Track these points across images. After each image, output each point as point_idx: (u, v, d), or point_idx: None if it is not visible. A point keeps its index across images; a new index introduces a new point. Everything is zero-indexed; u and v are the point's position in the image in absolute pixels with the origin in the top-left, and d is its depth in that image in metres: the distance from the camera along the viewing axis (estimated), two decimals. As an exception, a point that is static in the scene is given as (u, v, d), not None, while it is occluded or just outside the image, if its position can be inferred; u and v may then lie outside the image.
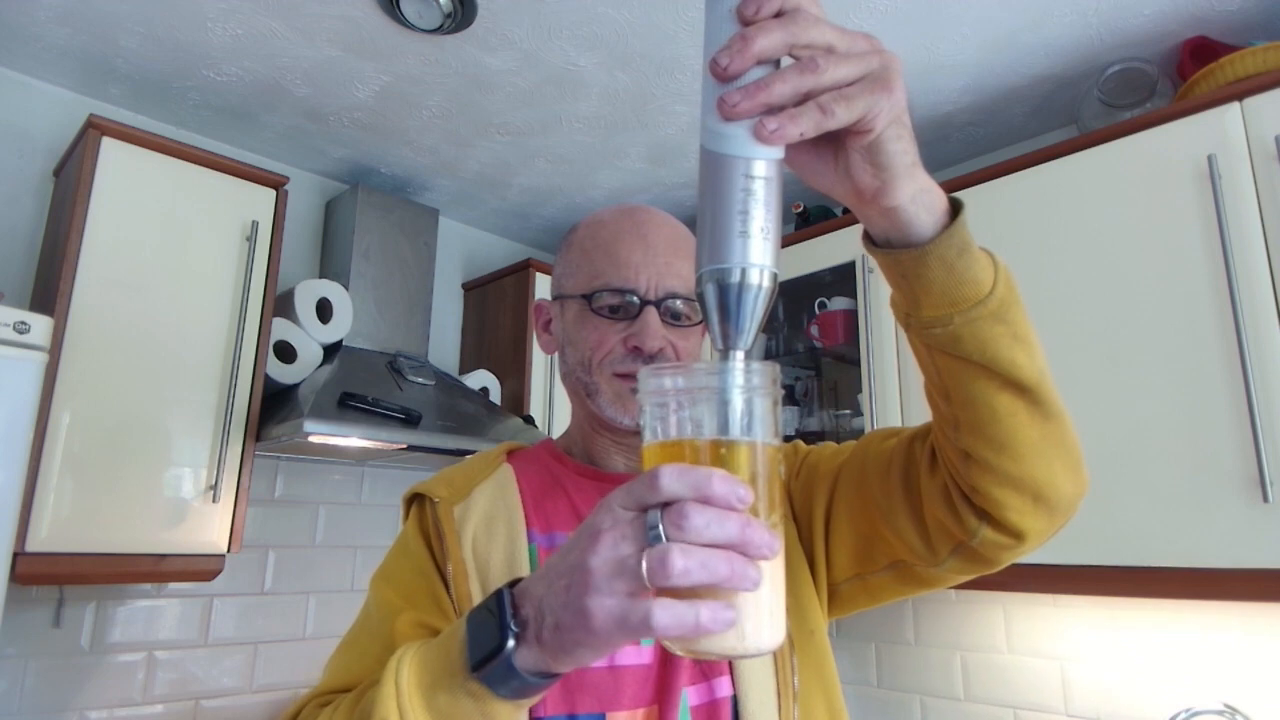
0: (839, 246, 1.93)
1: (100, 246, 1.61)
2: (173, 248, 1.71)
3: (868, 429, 1.76)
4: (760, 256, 0.43)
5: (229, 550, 1.70)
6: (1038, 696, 1.75)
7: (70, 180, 1.69)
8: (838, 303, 2.03)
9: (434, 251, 2.34)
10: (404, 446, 1.86)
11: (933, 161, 2.15)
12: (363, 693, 0.60)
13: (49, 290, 1.61)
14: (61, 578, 1.55)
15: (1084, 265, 1.52)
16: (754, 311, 0.44)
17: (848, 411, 2.08)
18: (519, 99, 1.90)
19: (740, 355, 0.45)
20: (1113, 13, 1.57)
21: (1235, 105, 1.38)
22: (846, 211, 2.01)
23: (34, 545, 1.46)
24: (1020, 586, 1.52)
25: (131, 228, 1.66)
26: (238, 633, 1.98)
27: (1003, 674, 1.82)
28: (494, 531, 0.74)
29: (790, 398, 2.22)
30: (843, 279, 1.96)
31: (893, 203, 0.49)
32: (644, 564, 0.41)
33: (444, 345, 2.46)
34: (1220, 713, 1.41)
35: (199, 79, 1.84)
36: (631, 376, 0.75)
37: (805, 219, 2.16)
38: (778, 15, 0.43)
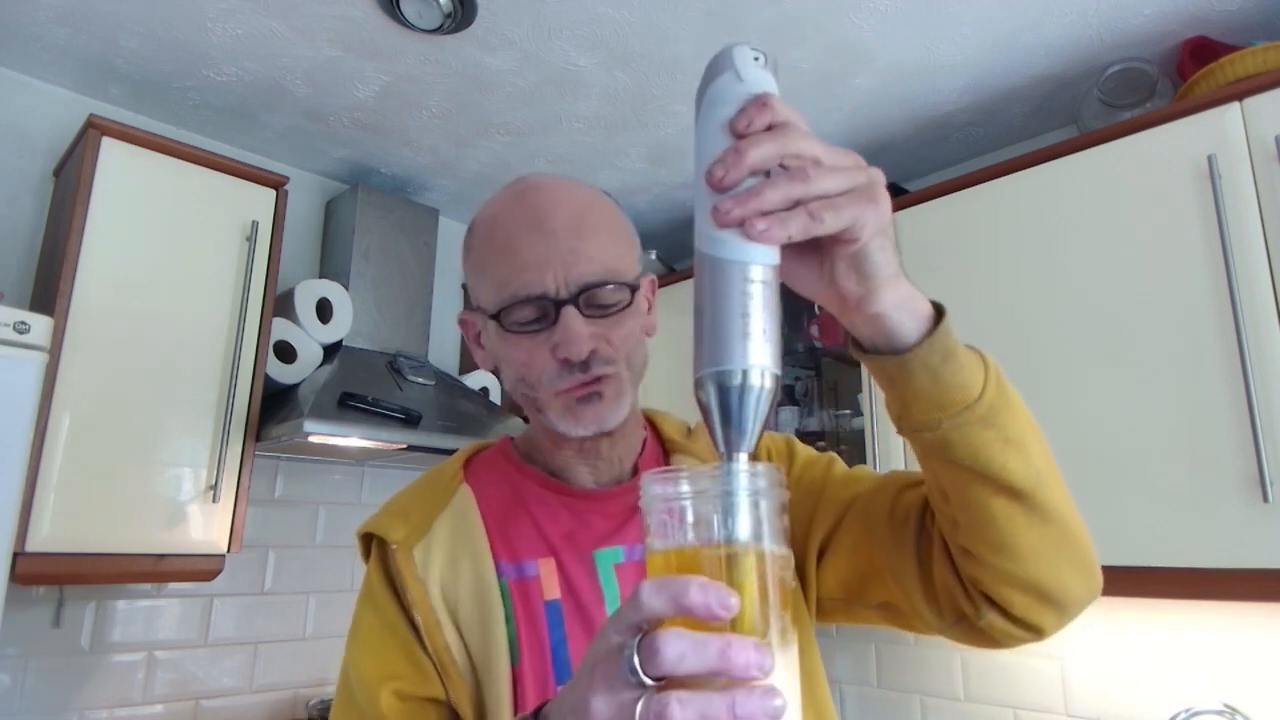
0: (839, 246, 1.93)
1: (100, 246, 1.61)
2: (173, 248, 1.71)
3: (867, 429, 1.76)
4: (761, 358, 0.43)
5: (229, 550, 1.70)
6: (1038, 696, 1.75)
7: (70, 180, 1.69)
8: (838, 303, 2.03)
9: (434, 251, 2.34)
10: (404, 446, 1.86)
11: (933, 161, 2.15)
12: None
13: (49, 290, 1.61)
14: (62, 578, 1.55)
15: (1084, 265, 1.52)
16: (756, 413, 0.43)
17: (847, 411, 2.08)
18: (519, 99, 1.90)
19: (744, 458, 0.43)
20: (1113, 13, 1.57)
21: (1235, 105, 1.38)
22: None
23: (34, 545, 1.46)
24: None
25: (131, 228, 1.66)
26: (238, 633, 1.98)
27: (1003, 674, 1.82)
28: (460, 570, 0.70)
29: (790, 398, 2.22)
30: (843, 279, 1.96)
31: (876, 309, 0.50)
32: (637, 715, 0.39)
33: (444, 345, 2.46)
34: (1220, 713, 1.41)
35: (199, 79, 1.84)
36: (572, 390, 0.68)
37: (805, 219, 2.16)
38: (768, 129, 0.45)
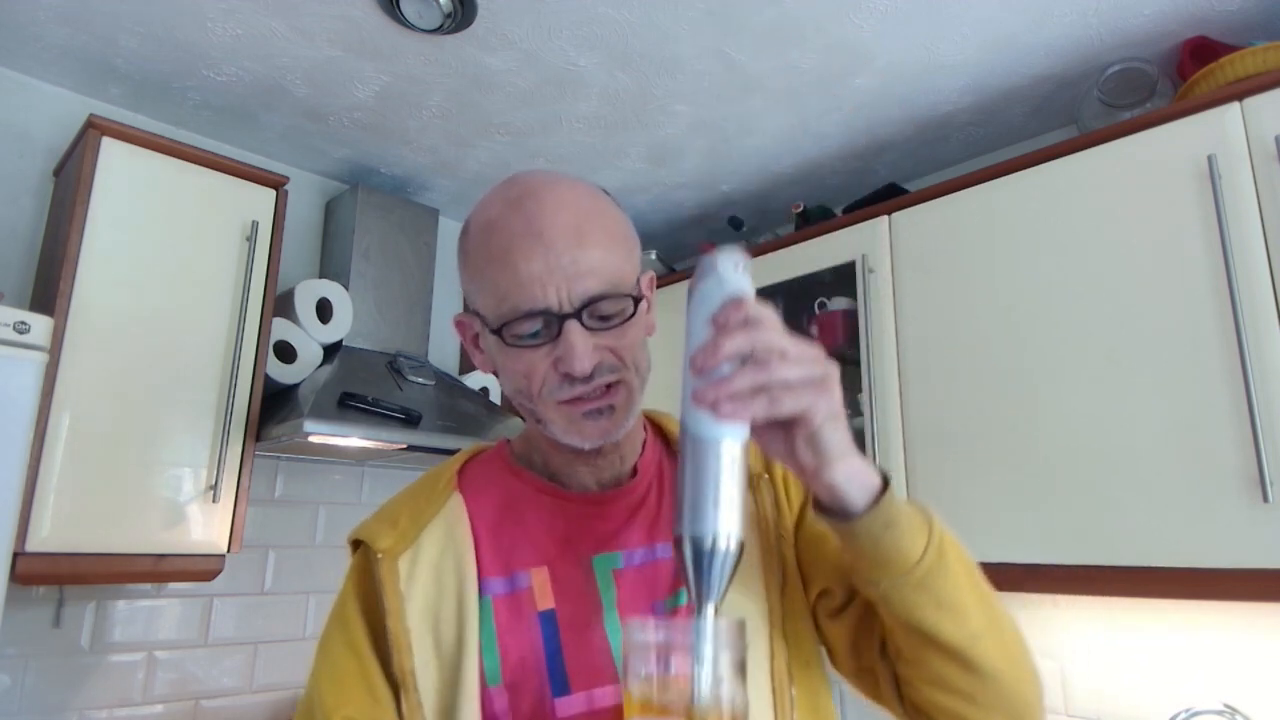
0: (838, 246, 1.93)
1: (100, 246, 1.61)
2: (173, 248, 1.71)
3: (867, 429, 1.76)
4: (729, 525, 0.53)
5: (229, 550, 1.70)
6: (1038, 696, 1.75)
7: (70, 180, 1.69)
8: (837, 303, 2.03)
9: (434, 251, 2.34)
10: (404, 446, 1.86)
11: (933, 161, 2.15)
12: None
13: (49, 290, 1.61)
14: (61, 577, 1.55)
15: (1084, 265, 1.52)
16: (724, 572, 0.53)
17: (847, 412, 2.08)
18: (519, 99, 1.90)
19: (711, 610, 0.52)
20: (1113, 13, 1.57)
21: (1235, 105, 1.38)
22: (846, 210, 2.01)
23: (34, 545, 1.46)
24: (1019, 586, 1.52)
25: (131, 228, 1.66)
26: (238, 633, 1.98)
27: (1003, 674, 1.82)
28: (444, 587, 0.69)
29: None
30: (842, 279, 1.96)
31: (828, 480, 0.58)
32: None
33: (444, 345, 2.46)
34: (1220, 713, 1.41)
35: (199, 79, 1.84)
36: (576, 402, 0.67)
37: (805, 219, 2.16)
38: (743, 324, 0.54)
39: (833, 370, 0.56)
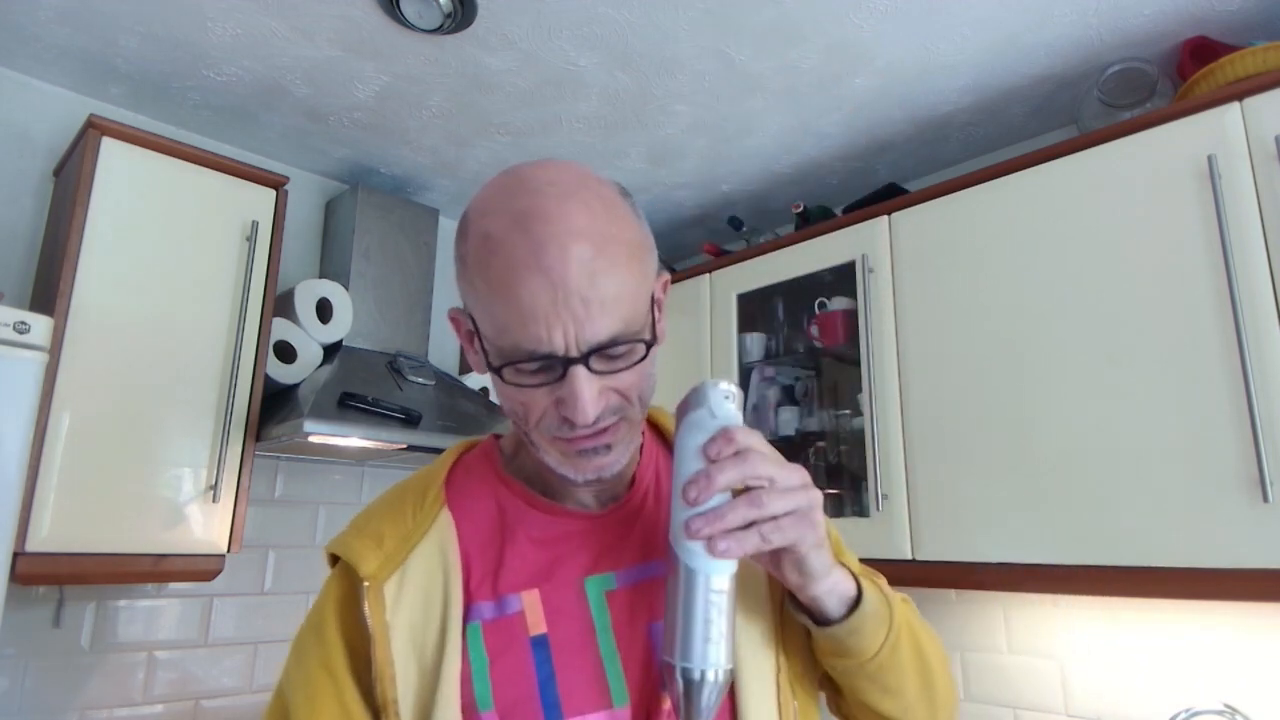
0: (839, 246, 1.93)
1: (100, 247, 1.61)
2: (173, 248, 1.71)
3: (867, 429, 1.77)
4: (717, 658, 0.57)
5: (229, 550, 1.70)
6: (1038, 696, 1.75)
7: (70, 180, 1.69)
8: (838, 302, 2.03)
9: (434, 251, 2.34)
10: (404, 446, 1.86)
11: (932, 162, 2.15)
12: None
13: (49, 290, 1.61)
14: (62, 578, 1.55)
15: (1084, 265, 1.52)
16: (711, 702, 0.57)
17: (847, 411, 2.08)
18: (519, 99, 1.90)
19: None
20: (1113, 13, 1.57)
21: (1235, 105, 1.38)
22: (846, 210, 2.01)
23: (34, 545, 1.46)
24: (1020, 587, 1.52)
25: (132, 228, 1.66)
26: (238, 633, 1.98)
27: (1003, 674, 1.82)
28: (430, 614, 0.66)
29: (790, 398, 2.22)
30: (843, 279, 1.96)
31: (811, 594, 0.64)
32: None
33: (444, 345, 2.46)
34: (1220, 713, 1.41)
35: (199, 79, 1.84)
36: (574, 440, 0.64)
37: (805, 219, 2.16)
38: (735, 456, 0.58)
39: (816, 498, 0.61)
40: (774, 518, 0.58)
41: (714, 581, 0.58)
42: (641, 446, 0.76)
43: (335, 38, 1.67)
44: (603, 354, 0.60)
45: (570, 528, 0.71)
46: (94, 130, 1.64)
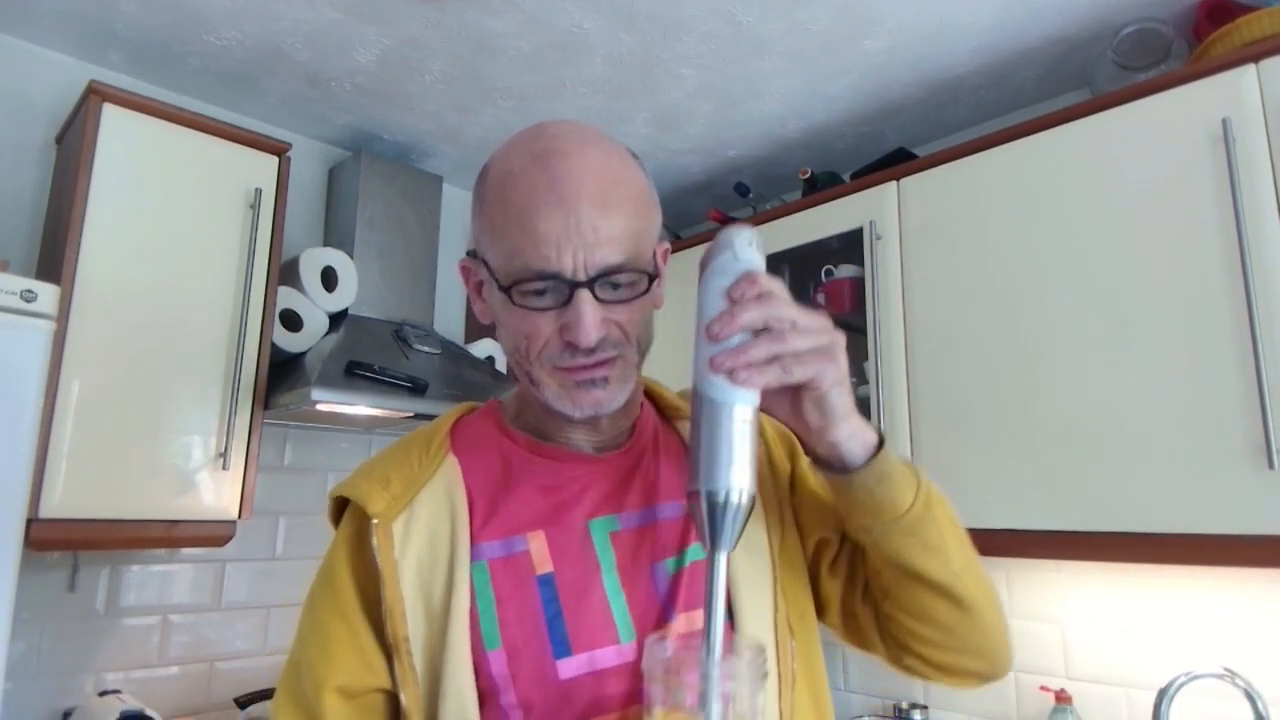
0: (846, 213, 1.91)
1: (104, 214, 1.61)
2: (177, 215, 1.71)
3: (873, 396, 1.77)
4: (741, 481, 0.57)
5: (240, 516, 1.72)
6: (1039, 660, 1.77)
7: (73, 147, 1.68)
8: (844, 270, 2.02)
9: (438, 219, 2.32)
10: (410, 415, 1.87)
11: (943, 125, 2.13)
12: None
13: (54, 258, 1.61)
14: (75, 543, 1.58)
15: (1095, 229, 1.51)
16: (736, 523, 0.57)
17: (854, 380, 2.08)
18: (522, 63, 1.88)
19: (724, 558, 0.57)
20: (1129, -29, 1.53)
21: (1251, 67, 1.36)
22: (855, 176, 1.99)
23: (47, 511, 1.48)
24: (1023, 552, 1.53)
25: (135, 195, 1.66)
26: (250, 597, 2.01)
27: (1005, 638, 1.84)
28: (437, 554, 0.67)
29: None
30: (850, 246, 1.95)
31: (832, 439, 0.63)
32: None
33: (449, 314, 2.46)
34: (1220, 677, 1.43)
35: (199, 43, 1.82)
36: (574, 370, 0.66)
37: (812, 185, 2.14)
38: (757, 298, 0.58)
39: (839, 338, 0.60)
40: (796, 353, 0.58)
41: (737, 411, 0.58)
42: (641, 406, 0.79)
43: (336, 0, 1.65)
44: (607, 281, 0.65)
45: (574, 473, 0.73)
46: (95, 97, 1.62)
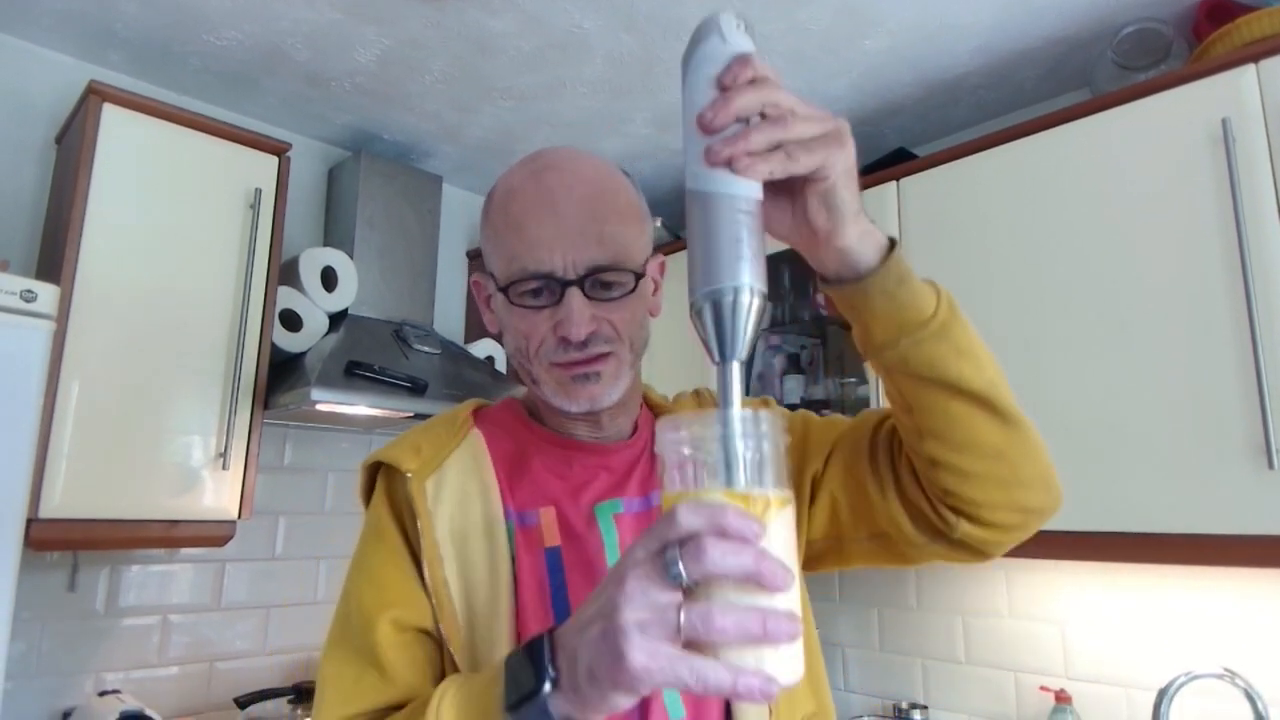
0: (846, 213, 1.91)
1: (104, 214, 1.61)
2: (177, 215, 1.71)
3: (873, 397, 1.77)
4: (751, 278, 0.49)
5: (240, 516, 1.72)
6: (1038, 660, 1.77)
7: (72, 147, 1.68)
8: (844, 270, 2.02)
9: (438, 219, 2.32)
10: (410, 415, 1.87)
11: (943, 125, 2.13)
12: None
13: (54, 258, 1.61)
14: (75, 543, 1.58)
15: (1095, 229, 1.51)
16: (746, 324, 0.49)
17: (853, 379, 2.08)
18: (522, 63, 1.88)
19: (737, 367, 0.49)
20: (1129, -29, 1.53)
21: (1251, 67, 1.36)
22: (862, 174, 1.99)
23: (47, 511, 1.48)
24: (1023, 552, 1.52)
25: (135, 195, 1.66)
26: (250, 597, 2.01)
27: (1004, 638, 1.84)
28: (470, 510, 0.72)
29: (795, 366, 2.22)
30: (849, 246, 1.94)
31: (841, 243, 0.57)
32: (683, 619, 0.44)
33: (449, 314, 2.46)
34: (1220, 677, 1.43)
35: (199, 43, 1.82)
36: (568, 366, 0.71)
37: (812, 185, 2.13)
38: (751, 82, 0.51)
39: (845, 125, 0.54)
40: (801, 139, 0.52)
41: (739, 202, 0.50)
42: (641, 407, 0.83)
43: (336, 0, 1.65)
44: (597, 280, 0.70)
45: (583, 462, 0.77)
46: (95, 97, 1.62)
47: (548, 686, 0.50)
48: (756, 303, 0.49)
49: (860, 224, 0.57)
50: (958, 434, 0.63)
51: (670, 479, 0.49)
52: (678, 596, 0.45)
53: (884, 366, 0.63)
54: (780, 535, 0.47)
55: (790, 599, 0.46)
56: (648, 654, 0.44)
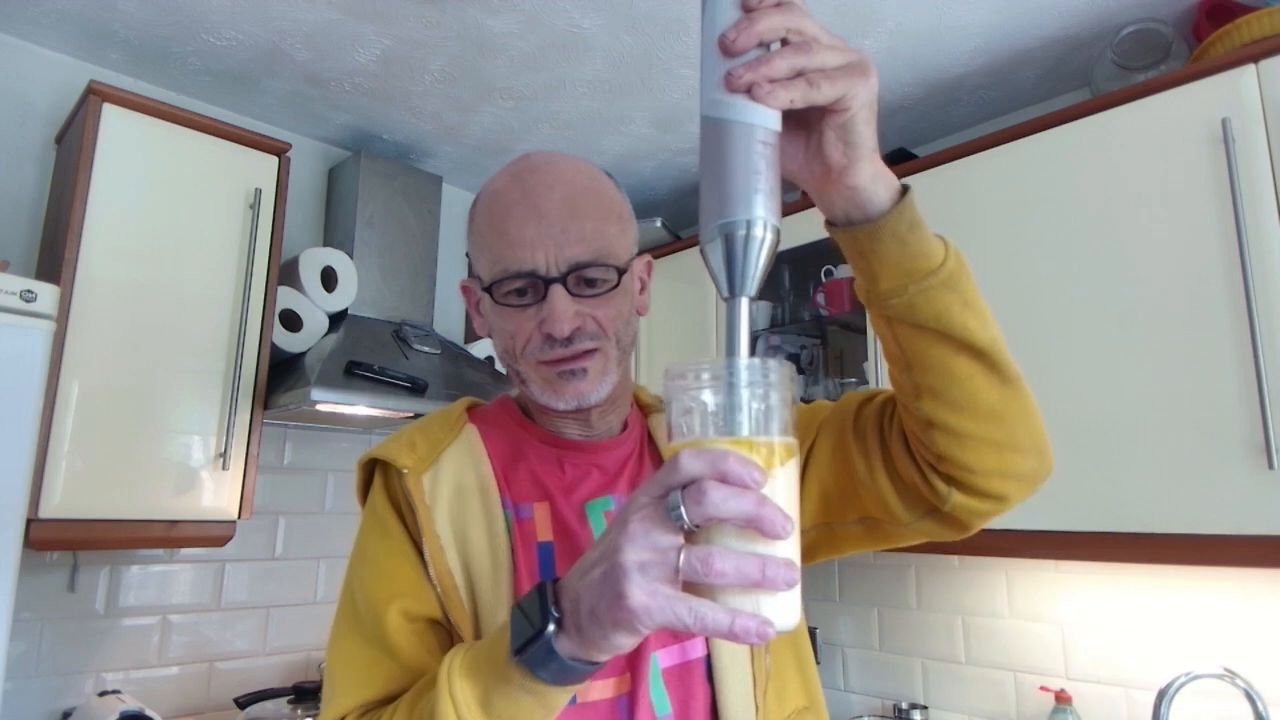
0: (846, 213, 1.91)
1: (104, 214, 1.60)
2: (177, 216, 1.71)
3: (873, 396, 1.77)
4: (765, 211, 0.47)
5: (239, 516, 1.72)
6: (1038, 660, 1.77)
7: (72, 147, 1.68)
8: (844, 270, 2.02)
9: (438, 219, 2.32)
10: (410, 415, 1.87)
11: (942, 125, 2.13)
12: (414, 704, 0.62)
13: (54, 259, 1.61)
14: (75, 543, 1.57)
15: (1095, 230, 1.51)
16: (758, 262, 0.48)
17: (854, 380, 2.08)
18: (522, 63, 1.88)
19: (746, 302, 0.48)
20: (1129, -29, 1.53)
21: (1251, 67, 1.36)
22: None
23: (46, 511, 1.48)
24: (1023, 552, 1.53)
25: (135, 195, 1.66)
26: (250, 597, 2.01)
27: (1004, 638, 1.84)
28: (468, 503, 0.73)
29: (797, 366, 2.22)
30: (849, 246, 1.94)
31: (855, 181, 0.56)
32: (682, 560, 0.45)
33: (449, 314, 2.46)
34: (1220, 677, 1.43)
35: (198, 43, 1.82)
36: (554, 363, 0.72)
37: (812, 185, 2.13)
38: (778, 5, 0.50)
39: (868, 56, 0.53)
40: (823, 67, 0.50)
41: (758, 132, 0.48)
42: (630, 406, 0.84)
43: None
44: (580, 277, 0.71)
45: (576, 458, 0.78)
46: (95, 97, 1.62)
47: (552, 627, 0.51)
48: (770, 237, 0.47)
49: (875, 163, 0.56)
50: (957, 392, 0.62)
51: (677, 426, 0.49)
52: (679, 539, 0.45)
53: (886, 316, 0.61)
54: (783, 484, 0.47)
55: (789, 547, 0.46)
56: (647, 593, 0.45)
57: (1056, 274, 1.54)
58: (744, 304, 0.48)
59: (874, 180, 0.56)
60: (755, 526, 0.44)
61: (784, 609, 0.45)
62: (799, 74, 0.49)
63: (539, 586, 0.54)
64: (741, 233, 0.47)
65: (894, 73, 1.90)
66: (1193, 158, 1.40)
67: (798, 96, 0.49)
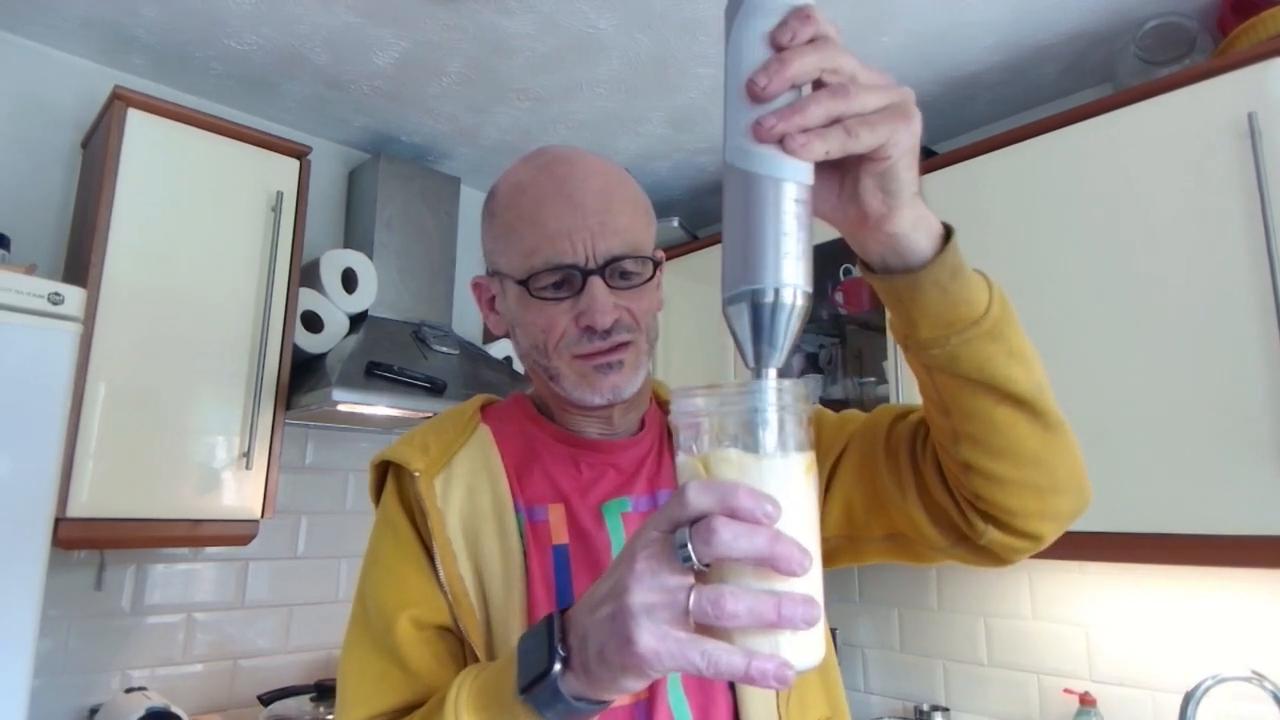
0: (864, 211, 1.90)
1: (129, 218, 1.63)
2: (200, 219, 1.73)
3: (893, 396, 1.75)
4: (795, 276, 0.44)
5: (262, 515, 1.74)
6: (1061, 662, 1.76)
7: (98, 152, 1.70)
8: (862, 268, 2.00)
9: (456, 220, 2.34)
10: (429, 415, 1.88)
11: (959, 123, 2.11)
12: None
13: (80, 262, 1.63)
14: (101, 542, 1.60)
15: (1116, 227, 1.49)
16: (788, 331, 0.44)
17: (872, 379, 2.07)
18: (538, 64, 1.88)
19: (773, 373, 0.44)
20: (1151, -36, 1.52)
21: (1277, 61, 1.34)
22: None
23: (74, 511, 1.50)
24: (1046, 553, 1.50)
25: (159, 199, 1.68)
26: (272, 595, 2.03)
27: (1026, 639, 1.82)
28: (480, 506, 0.72)
29: (815, 365, 2.21)
30: (868, 244, 1.93)
31: (895, 229, 0.51)
32: (692, 602, 0.42)
33: (467, 314, 2.47)
34: (1248, 680, 1.40)
35: (220, 48, 1.84)
36: (591, 356, 0.70)
37: (830, 183, 2.12)
38: (812, 41, 0.45)
39: (910, 95, 0.48)
40: (863, 113, 0.45)
41: (787, 189, 0.44)
42: (649, 402, 0.82)
43: (353, 3, 1.66)
44: (616, 269, 0.70)
45: (591, 459, 0.77)
46: (120, 102, 1.64)
47: (558, 667, 0.49)
48: (801, 304, 0.44)
49: (916, 209, 0.51)
50: (997, 440, 0.58)
51: (685, 449, 0.46)
52: (687, 579, 0.43)
53: (926, 364, 0.58)
54: (800, 511, 0.43)
55: (809, 581, 0.42)
56: (656, 638, 0.43)
57: (1076, 272, 1.52)
58: (771, 378, 0.44)
59: (914, 227, 0.52)
60: (769, 565, 0.41)
61: (805, 647, 0.43)
62: (836, 120, 0.44)
63: (548, 619, 0.52)
64: (769, 300, 0.43)
65: (911, 70, 1.88)
66: (1218, 153, 1.38)
67: (834, 147, 0.44)
